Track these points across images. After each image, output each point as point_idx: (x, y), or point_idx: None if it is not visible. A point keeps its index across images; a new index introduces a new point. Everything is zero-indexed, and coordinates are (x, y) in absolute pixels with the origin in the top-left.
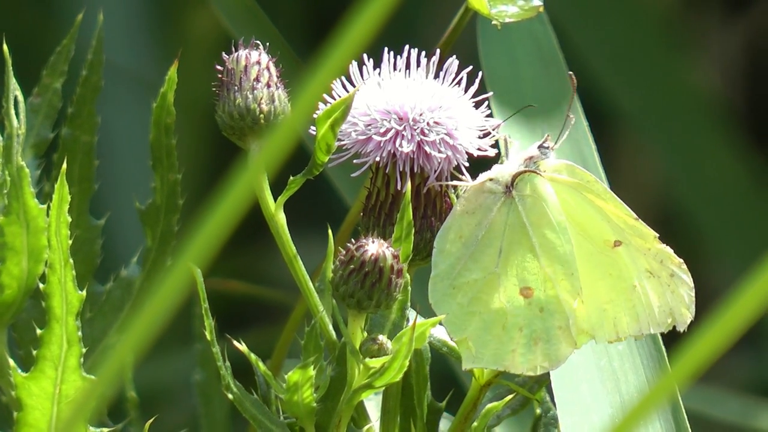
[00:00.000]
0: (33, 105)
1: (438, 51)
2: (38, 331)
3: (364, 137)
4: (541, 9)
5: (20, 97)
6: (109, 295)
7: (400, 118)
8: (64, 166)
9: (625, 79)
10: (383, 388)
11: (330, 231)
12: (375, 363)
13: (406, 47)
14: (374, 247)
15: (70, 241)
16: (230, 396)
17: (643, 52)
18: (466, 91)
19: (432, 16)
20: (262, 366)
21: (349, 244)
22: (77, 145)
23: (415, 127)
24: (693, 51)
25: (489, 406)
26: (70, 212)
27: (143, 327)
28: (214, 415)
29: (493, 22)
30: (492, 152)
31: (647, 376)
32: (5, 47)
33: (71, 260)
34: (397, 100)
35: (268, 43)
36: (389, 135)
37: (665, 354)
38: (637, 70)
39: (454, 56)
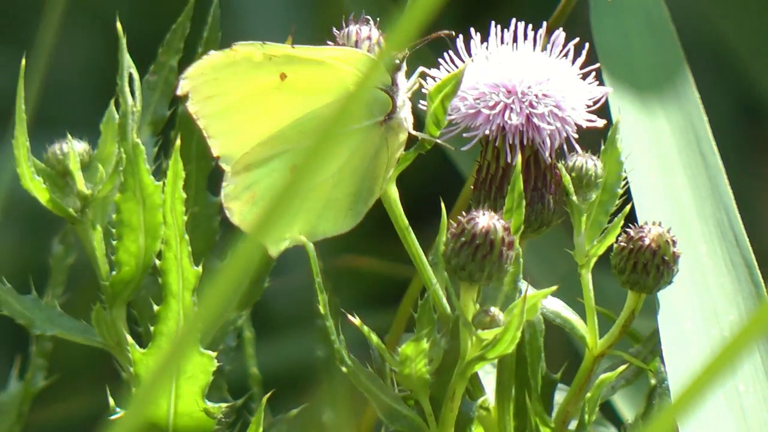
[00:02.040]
0: (149, 82)
1: (545, 24)
2: (155, 308)
3: (473, 111)
4: None
5: (135, 75)
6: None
7: (509, 91)
8: (178, 142)
9: None
10: (496, 359)
11: (443, 204)
12: (487, 335)
13: (513, 20)
14: (485, 219)
15: (187, 218)
16: (344, 369)
17: None
18: (573, 62)
19: None
20: (375, 338)
21: (460, 217)
22: (194, 122)
23: (524, 100)
24: None
25: (603, 376)
26: (187, 189)
27: (218, 296)
28: (335, 390)
29: None
30: (600, 123)
31: (759, 347)
32: (119, 25)
33: (187, 236)
34: (505, 73)
35: (378, 18)
36: (498, 108)
37: None
38: None
39: (561, 29)
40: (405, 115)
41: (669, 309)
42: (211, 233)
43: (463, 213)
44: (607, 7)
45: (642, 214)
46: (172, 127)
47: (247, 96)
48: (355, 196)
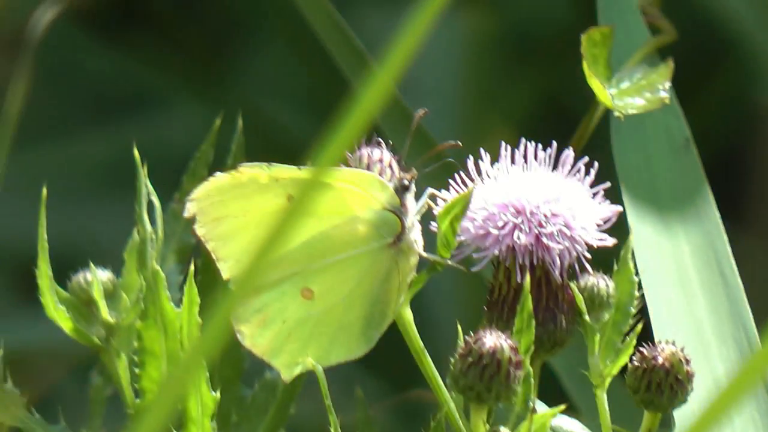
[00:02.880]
0: (174, 211)
1: (554, 144)
2: None
3: (483, 231)
4: (667, 100)
5: (156, 202)
6: (255, 398)
7: (518, 211)
8: (192, 268)
9: None
10: None
11: (459, 325)
12: None
13: (522, 140)
14: (492, 339)
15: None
16: None
17: None
18: (583, 182)
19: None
20: None
21: (467, 338)
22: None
23: (533, 220)
24: None
25: None
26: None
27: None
28: None
29: (616, 113)
30: (611, 242)
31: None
32: (136, 152)
33: (205, 362)
34: (514, 193)
35: (390, 141)
36: (507, 228)
37: None
38: None
39: (571, 148)
40: (415, 237)
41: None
42: (239, 361)
43: (471, 334)
44: (629, 127)
45: (659, 334)
46: (199, 255)
47: (255, 218)
48: (367, 320)
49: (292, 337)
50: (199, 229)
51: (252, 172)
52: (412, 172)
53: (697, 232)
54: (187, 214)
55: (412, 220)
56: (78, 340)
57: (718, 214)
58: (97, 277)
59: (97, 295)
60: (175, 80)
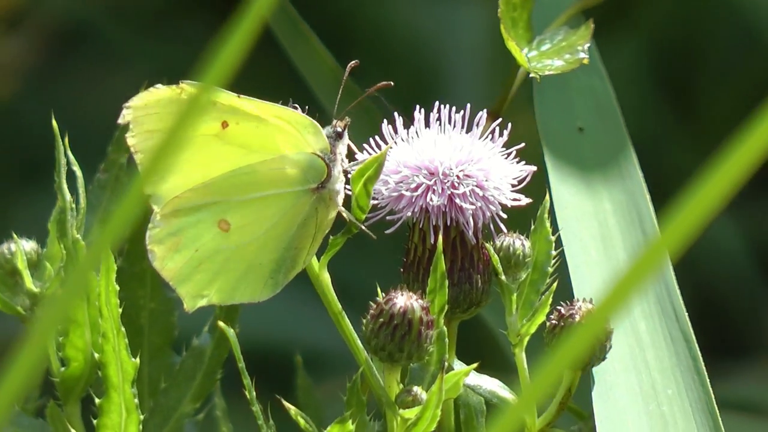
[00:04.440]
0: (100, 181)
1: (468, 106)
2: (97, 401)
3: (396, 194)
4: (586, 61)
5: (78, 172)
6: (183, 365)
7: (431, 173)
8: (105, 233)
9: None
10: None
11: (378, 286)
12: (408, 414)
13: (436, 103)
14: (402, 300)
15: (145, 314)
16: None
17: None
18: (494, 142)
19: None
20: (302, 421)
21: (378, 299)
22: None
23: (445, 181)
24: None
25: None
26: (143, 286)
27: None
28: None
29: (531, 74)
30: (525, 201)
31: (696, 420)
32: (54, 124)
33: (123, 329)
34: (427, 155)
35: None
36: (420, 190)
37: (713, 398)
38: None
39: (485, 110)
40: (339, 188)
41: (606, 386)
42: (170, 328)
43: (383, 294)
44: (553, 89)
45: (579, 292)
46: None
47: (187, 138)
48: (277, 264)
49: (202, 267)
50: (131, 139)
51: (192, 90)
52: (345, 119)
53: (620, 191)
54: (121, 120)
55: (339, 170)
56: (3, 309)
57: (641, 174)
58: (20, 248)
59: (21, 265)
60: None
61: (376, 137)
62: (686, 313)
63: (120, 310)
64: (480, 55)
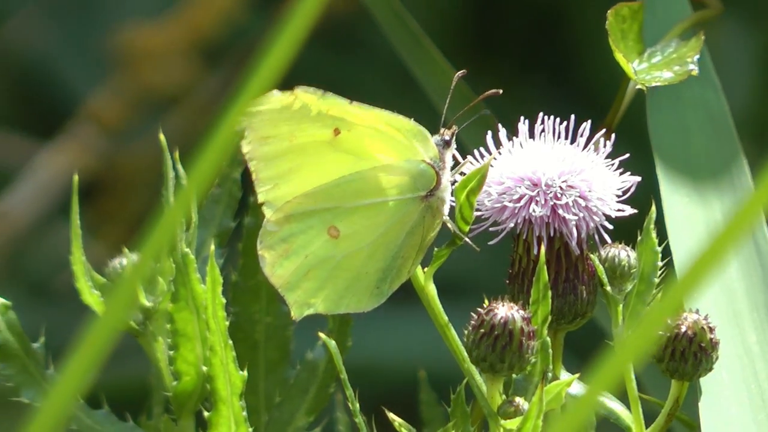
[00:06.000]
0: (213, 195)
1: (573, 117)
2: (206, 414)
3: (499, 205)
4: (694, 73)
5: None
6: (297, 378)
7: (534, 184)
8: (212, 248)
9: None
10: None
11: (485, 298)
12: (510, 424)
13: (540, 115)
14: (503, 310)
15: (261, 328)
16: None
17: None
18: (601, 154)
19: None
20: None
21: (479, 309)
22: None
23: (548, 192)
24: None
25: None
26: (259, 300)
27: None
28: None
29: (638, 86)
30: (629, 211)
31: None
32: (161, 136)
33: (230, 341)
34: (529, 166)
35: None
36: (523, 201)
37: None
38: None
39: (590, 120)
40: (446, 197)
41: (713, 396)
42: (285, 342)
43: (484, 305)
44: (666, 101)
45: (690, 303)
46: (239, 239)
47: (300, 144)
48: (384, 273)
49: (311, 274)
50: (246, 146)
51: (306, 97)
52: (452, 128)
53: (731, 201)
54: (237, 126)
55: (448, 178)
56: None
57: (752, 184)
58: (132, 262)
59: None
60: None
61: (481, 149)
62: None
63: (228, 323)
64: None
